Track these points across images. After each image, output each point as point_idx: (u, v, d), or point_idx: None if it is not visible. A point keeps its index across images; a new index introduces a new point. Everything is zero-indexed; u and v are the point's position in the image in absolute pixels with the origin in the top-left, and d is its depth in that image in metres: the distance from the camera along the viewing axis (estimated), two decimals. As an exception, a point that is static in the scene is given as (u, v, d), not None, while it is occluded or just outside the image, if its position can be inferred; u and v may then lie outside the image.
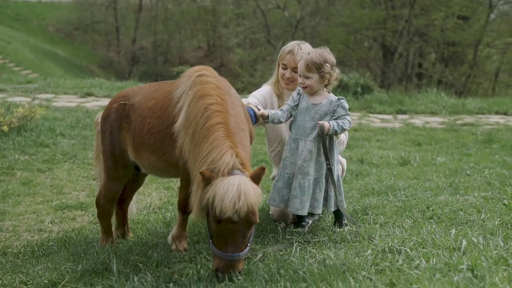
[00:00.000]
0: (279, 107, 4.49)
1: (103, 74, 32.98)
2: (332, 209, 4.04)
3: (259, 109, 4.06)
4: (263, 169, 3.28)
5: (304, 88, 4.02)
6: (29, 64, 28.14)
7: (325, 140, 3.90)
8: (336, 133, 3.92)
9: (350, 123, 3.97)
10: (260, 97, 4.52)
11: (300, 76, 4.02)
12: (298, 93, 4.10)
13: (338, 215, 4.21)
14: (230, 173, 3.19)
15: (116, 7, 39.57)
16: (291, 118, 4.12)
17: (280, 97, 4.54)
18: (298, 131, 4.01)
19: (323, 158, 3.95)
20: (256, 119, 4.01)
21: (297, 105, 4.06)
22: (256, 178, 3.24)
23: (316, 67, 3.91)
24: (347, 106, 4.01)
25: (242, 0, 36.07)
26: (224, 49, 40.39)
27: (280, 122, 4.15)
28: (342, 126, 3.90)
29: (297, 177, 3.95)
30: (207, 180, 3.18)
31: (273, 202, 4.08)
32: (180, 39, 42.98)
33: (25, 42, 32.76)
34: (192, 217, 3.49)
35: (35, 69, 27.42)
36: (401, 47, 27.46)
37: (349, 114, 4.00)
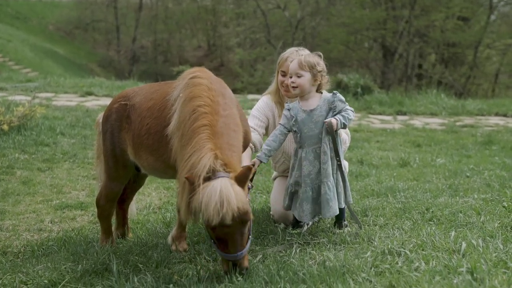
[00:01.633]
0: (279, 115, 4.48)
1: (103, 73, 32.94)
2: (342, 205, 4.03)
3: (253, 164, 3.92)
4: (249, 168, 3.23)
5: (294, 88, 3.98)
6: (29, 63, 28.11)
7: (335, 137, 3.91)
8: (344, 126, 3.92)
9: (353, 111, 3.98)
10: (261, 116, 4.50)
11: (291, 77, 3.99)
12: (288, 109, 4.04)
13: (338, 216, 4.20)
14: (213, 176, 3.16)
15: (117, 6, 39.50)
16: (298, 134, 4.03)
17: (280, 104, 4.52)
18: (310, 141, 3.97)
19: (333, 154, 3.95)
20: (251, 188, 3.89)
21: (296, 119, 4.00)
22: (242, 178, 3.20)
23: (309, 65, 3.92)
24: (343, 98, 3.99)
25: (242, -1, 36.09)
26: (224, 49, 40.35)
27: (280, 146, 4.09)
28: (347, 117, 3.90)
29: (323, 181, 3.94)
30: (193, 186, 3.17)
31: (312, 216, 4.03)
32: (180, 38, 42.95)
33: (25, 40, 32.71)
34: (181, 218, 3.50)
35: (35, 67, 27.39)
36: (401, 47, 27.45)
37: (347, 104, 3.99)
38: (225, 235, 3.17)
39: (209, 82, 3.65)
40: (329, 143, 3.94)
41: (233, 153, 3.36)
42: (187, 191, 3.24)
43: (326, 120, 3.89)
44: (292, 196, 4.11)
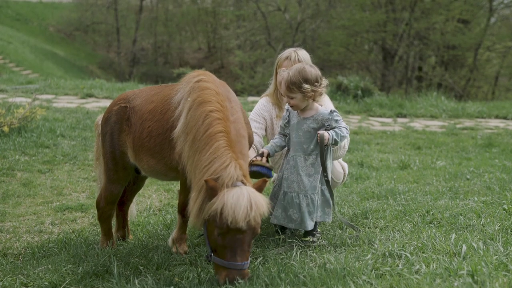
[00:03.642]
0: (277, 116, 4.49)
1: (103, 75, 33.00)
2: (319, 219, 3.96)
3: (268, 154, 3.98)
4: (265, 182, 3.34)
5: (291, 107, 3.97)
6: (29, 65, 28.15)
7: (324, 151, 3.85)
8: (336, 143, 3.84)
9: (347, 129, 3.90)
10: (259, 119, 4.53)
11: (285, 96, 3.97)
12: (287, 110, 4.04)
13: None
14: (233, 185, 3.21)
15: (117, 8, 39.54)
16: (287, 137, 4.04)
17: (278, 106, 4.54)
18: (294, 147, 3.97)
19: (321, 169, 3.92)
20: (271, 170, 3.91)
21: (288, 121, 4.00)
22: (258, 190, 3.28)
23: (296, 87, 3.83)
24: (339, 118, 3.92)
25: (242, 2, 36.08)
26: (224, 51, 40.36)
27: (284, 147, 4.09)
28: (340, 134, 3.82)
29: (307, 194, 3.88)
30: (212, 190, 3.18)
31: (278, 220, 3.96)
32: (181, 40, 42.99)
33: (26, 42, 32.77)
34: (189, 224, 3.50)
35: (35, 69, 27.44)
36: (401, 50, 27.49)
37: (342, 121, 3.92)
38: (235, 242, 3.16)
39: (216, 86, 3.68)
40: (318, 156, 3.90)
41: (245, 164, 3.43)
42: (202, 194, 3.26)
43: (320, 132, 3.83)
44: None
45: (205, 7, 41.64)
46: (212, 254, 3.27)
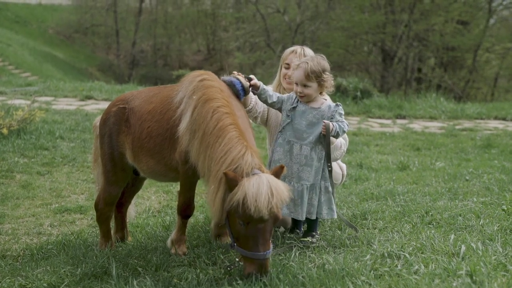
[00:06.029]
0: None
1: (102, 77, 32.98)
2: (325, 216, 4.00)
3: (251, 79, 3.98)
4: (282, 167, 3.36)
5: (301, 97, 3.98)
6: (28, 67, 28.13)
7: (329, 140, 3.90)
8: (337, 135, 3.93)
9: (347, 125, 4.01)
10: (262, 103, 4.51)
11: (297, 84, 3.97)
12: (295, 98, 4.06)
13: (309, 226, 4.14)
14: (252, 173, 3.24)
15: (116, 10, 39.55)
16: (288, 120, 4.01)
17: None
18: (293, 133, 3.98)
19: (319, 163, 3.94)
20: (245, 92, 3.93)
21: (295, 107, 4.01)
22: (276, 176, 3.30)
23: (315, 75, 3.90)
24: (343, 112, 4.03)
25: (242, 4, 36.12)
26: (224, 53, 40.37)
27: (266, 103, 4.08)
28: (342, 128, 3.93)
29: (292, 181, 3.93)
30: (233, 181, 3.20)
31: None
32: (180, 42, 42.98)
33: (25, 44, 32.76)
34: (212, 216, 3.50)
35: (34, 71, 27.42)
36: (400, 51, 27.48)
37: (344, 118, 4.03)
38: (257, 232, 3.19)
39: (219, 84, 3.73)
40: (315, 150, 3.93)
41: (258, 154, 3.46)
42: (223, 186, 3.28)
43: (325, 121, 3.89)
44: None
45: (204, 9, 41.65)
46: (235, 244, 3.31)
